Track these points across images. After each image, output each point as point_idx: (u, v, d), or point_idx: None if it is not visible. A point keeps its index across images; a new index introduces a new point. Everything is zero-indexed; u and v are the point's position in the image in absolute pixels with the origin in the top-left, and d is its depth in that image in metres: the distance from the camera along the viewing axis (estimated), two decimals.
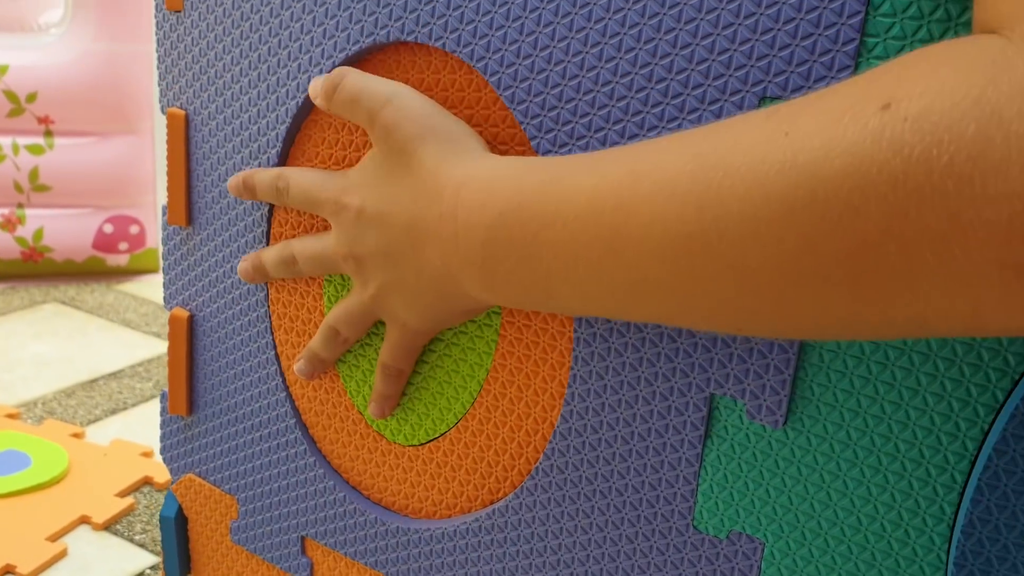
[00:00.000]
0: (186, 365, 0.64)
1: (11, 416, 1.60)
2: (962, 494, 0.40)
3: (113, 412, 1.69)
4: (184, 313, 0.61)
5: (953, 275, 0.27)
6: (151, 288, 2.26)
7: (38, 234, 2.13)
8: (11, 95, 2.00)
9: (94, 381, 1.78)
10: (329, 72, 0.51)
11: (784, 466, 0.43)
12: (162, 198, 2.48)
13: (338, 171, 0.51)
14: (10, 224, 2.10)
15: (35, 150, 2.07)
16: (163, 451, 0.67)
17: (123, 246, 2.23)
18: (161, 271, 2.41)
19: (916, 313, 0.29)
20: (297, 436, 0.58)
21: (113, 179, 2.14)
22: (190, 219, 0.61)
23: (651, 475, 0.45)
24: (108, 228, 2.19)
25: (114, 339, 1.97)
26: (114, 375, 1.82)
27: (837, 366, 0.41)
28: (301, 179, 0.52)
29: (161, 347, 1.87)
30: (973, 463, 0.40)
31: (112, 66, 2.05)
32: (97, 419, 1.65)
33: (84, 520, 1.34)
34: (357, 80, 0.48)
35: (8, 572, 1.23)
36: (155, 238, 2.31)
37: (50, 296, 2.16)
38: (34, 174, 2.08)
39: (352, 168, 0.50)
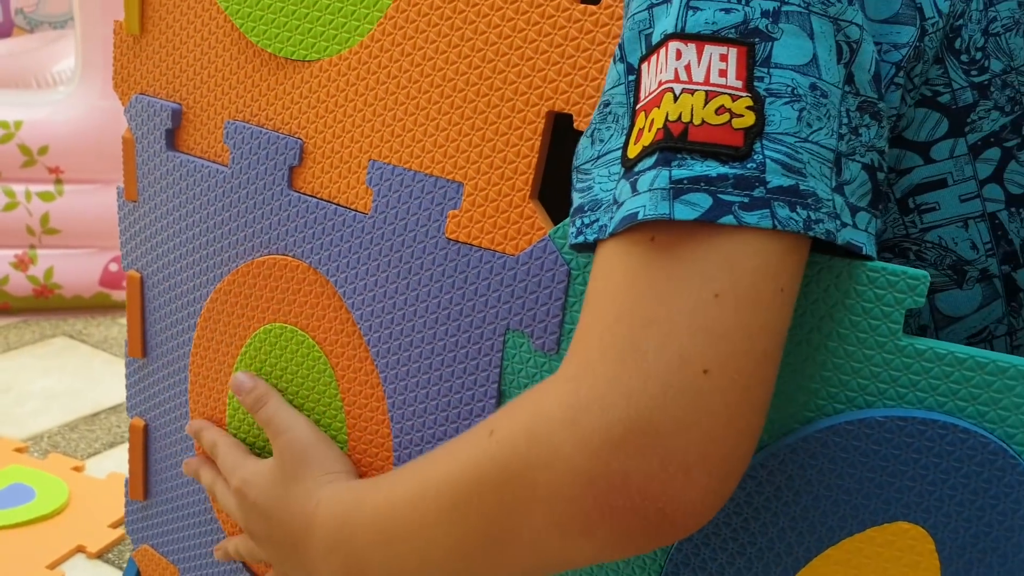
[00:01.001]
0: (142, 457, 0.80)
1: (19, 450, 1.78)
2: None
3: (111, 445, 1.86)
4: (140, 422, 0.77)
5: (538, 534, 0.43)
6: None
7: (48, 272, 2.31)
8: (25, 149, 2.18)
9: (96, 415, 1.95)
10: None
11: None
12: None
13: (251, 457, 0.66)
14: (23, 264, 2.28)
15: (46, 197, 2.25)
16: (127, 527, 0.84)
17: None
18: None
19: (532, 563, 0.44)
20: (219, 531, 0.74)
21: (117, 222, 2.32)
22: (145, 352, 0.77)
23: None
24: (113, 267, 2.36)
25: (116, 373, 2.14)
26: (114, 409, 1.99)
27: None
28: (226, 450, 0.67)
29: None
30: None
31: (117, 120, 2.22)
32: (96, 452, 1.82)
33: (80, 549, 1.51)
34: (270, 408, 0.64)
35: None
36: None
37: (59, 329, 2.33)
38: (45, 219, 2.25)
39: (263, 461, 0.65)
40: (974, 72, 0.46)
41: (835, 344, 0.44)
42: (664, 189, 0.38)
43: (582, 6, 0.49)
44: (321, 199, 0.60)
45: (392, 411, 0.60)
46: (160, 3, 0.66)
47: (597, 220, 0.42)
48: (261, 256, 0.64)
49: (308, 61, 0.60)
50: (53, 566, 1.48)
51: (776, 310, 0.39)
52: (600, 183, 0.43)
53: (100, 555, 1.51)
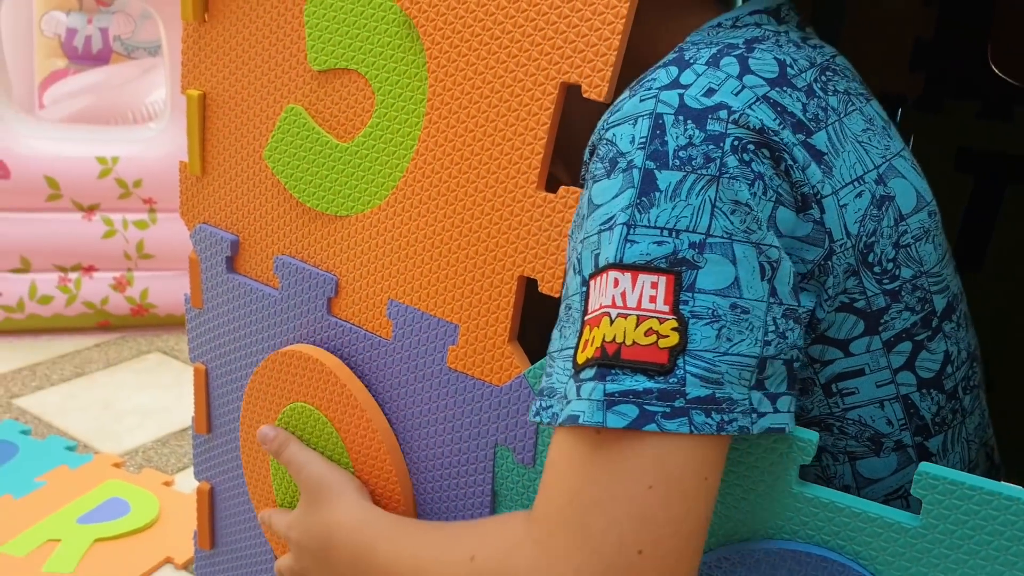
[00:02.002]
0: (208, 515, 0.94)
1: (116, 465, 1.96)
2: None
3: None
4: (207, 485, 0.91)
5: None
6: None
7: (144, 293, 2.50)
8: (122, 182, 2.37)
9: (185, 430, 2.13)
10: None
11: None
12: None
13: (288, 513, 0.75)
14: (121, 286, 2.47)
15: (141, 225, 2.44)
16: (196, 571, 0.98)
17: None
18: None
19: None
20: (271, 571, 0.87)
21: None
22: (209, 429, 0.90)
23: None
24: None
25: None
26: None
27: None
28: (276, 521, 0.76)
29: None
30: None
31: None
32: (185, 467, 2.00)
33: (168, 561, 1.68)
34: (290, 451, 0.74)
35: None
36: None
37: (154, 346, 2.53)
38: (140, 245, 2.45)
39: (298, 507, 0.74)
40: (886, 280, 0.54)
41: (746, 487, 0.54)
42: (599, 400, 0.47)
43: (543, 194, 0.59)
44: (353, 324, 0.72)
45: (418, 489, 0.72)
46: (218, 152, 0.79)
47: (551, 407, 0.50)
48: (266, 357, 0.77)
49: (340, 216, 0.71)
50: None
51: (701, 497, 0.47)
52: (558, 375, 0.51)
53: (186, 567, 1.67)
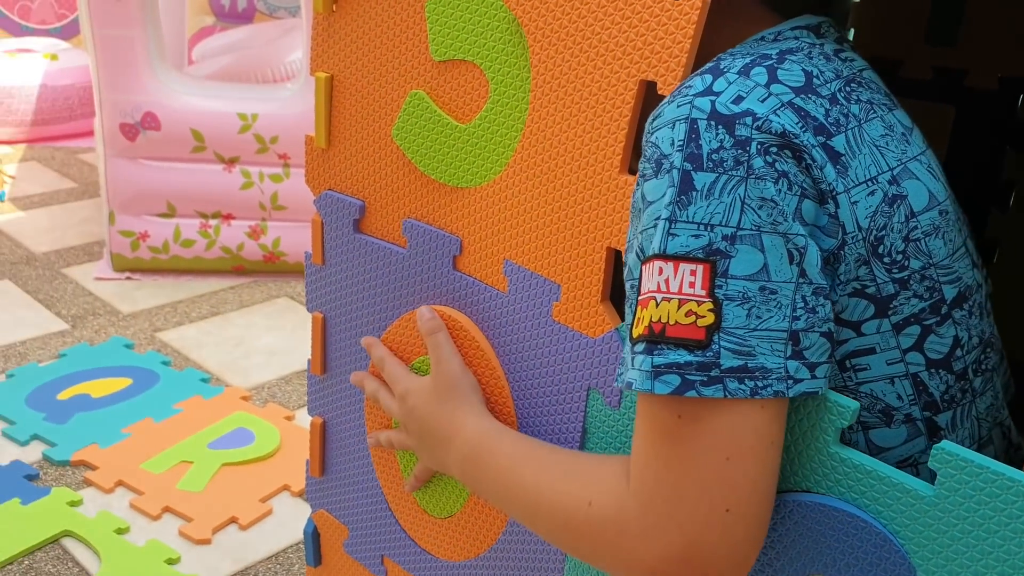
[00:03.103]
0: (320, 446, 1.06)
1: (244, 398, 2.14)
2: None
3: None
4: (319, 420, 1.03)
5: (609, 570, 0.61)
6: None
7: (276, 242, 2.68)
8: (260, 138, 2.53)
9: (305, 371, 2.29)
10: None
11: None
12: None
13: (412, 374, 0.85)
14: (255, 234, 2.66)
15: (276, 179, 2.61)
16: (307, 496, 1.10)
17: None
18: None
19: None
20: (381, 500, 0.98)
21: None
22: (324, 370, 1.02)
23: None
24: None
25: None
26: None
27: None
28: (392, 364, 0.86)
29: None
30: None
31: None
32: (305, 404, 2.16)
33: (286, 488, 1.84)
34: (439, 339, 0.81)
35: (232, 522, 1.74)
36: None
37: (283, 291, 2.71)
38: (274, 197, 2.62)
39: (421, 378, 0.84)
40: (895, 270, 0.61)
41: (793, 444, 0.61)
42: (648, 371, 0.56)
43: (626, 177, 0.67)
44: (476, 278, 0.82)
45: (520, 420, 0.82)
46: (343, 128, 0.89)
47: (623, 374, 0.60)
48: (412, 310, 0.87)
49: (461, 187, 0.81)
50: (264, 500, 1.81)
51: (771, 458, 0.57)
52: (626, 347, 0.61)
53: (300, 495, 1.83)
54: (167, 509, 1.76)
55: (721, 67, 0.59)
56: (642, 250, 0.59)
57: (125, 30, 2.40)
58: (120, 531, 1.69)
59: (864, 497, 0.59)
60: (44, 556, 1.63)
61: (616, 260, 0.71)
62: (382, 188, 0.87)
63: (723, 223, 0.55)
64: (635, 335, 0.58)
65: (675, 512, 0.57)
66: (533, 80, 0.72)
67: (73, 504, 1.75)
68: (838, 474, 0.60)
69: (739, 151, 0.55)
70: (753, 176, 0.55)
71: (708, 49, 0.65)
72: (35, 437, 1.94)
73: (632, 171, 0.68)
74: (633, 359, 0.58)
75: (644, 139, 0.61)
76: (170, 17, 3.25)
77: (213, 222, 2.62)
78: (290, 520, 1.76)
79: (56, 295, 2.57)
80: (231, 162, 2.57)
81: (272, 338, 2.43)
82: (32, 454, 1.90)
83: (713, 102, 0.57)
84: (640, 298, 0.58)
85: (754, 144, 0.55)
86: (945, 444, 0.55)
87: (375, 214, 0.89)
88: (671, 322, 0.56)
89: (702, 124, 0.56)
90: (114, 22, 2.39)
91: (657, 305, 0.56)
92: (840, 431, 0.60)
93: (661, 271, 0.56)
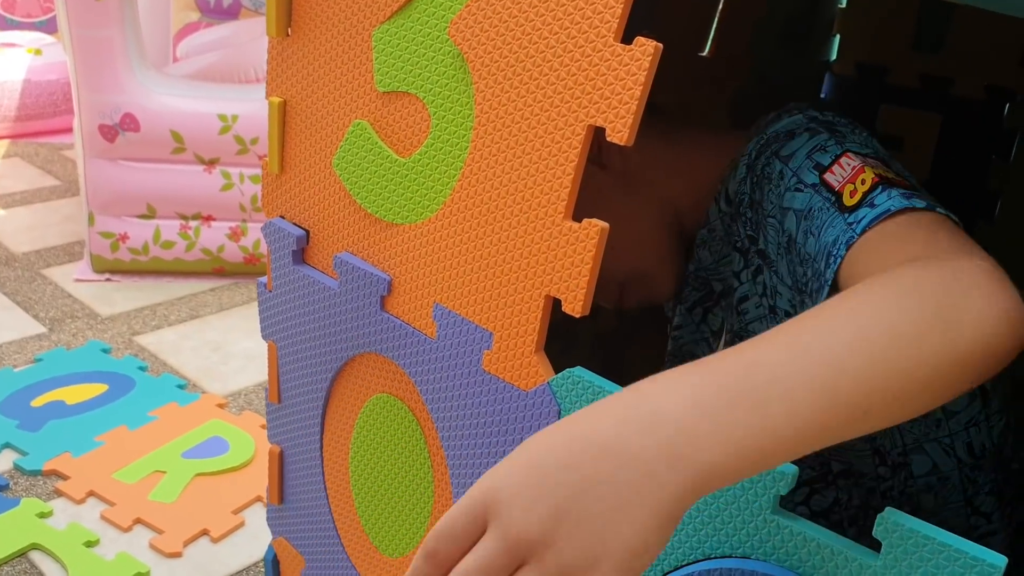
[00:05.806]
0: (278, 473, 1.04)
1: (220, 405, 2.11)
2: None
3: None
4: (277, 448, 1.00)
5: (976, 315, 0.56)
6: None
7: (256, 244, 2.65)
8: (240, 139, 2.50)
9: None
10: None
11: None
12: None
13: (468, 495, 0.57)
14: (236, 235, 2.63)
15: (256, 180, 2.58)
16: (268, 522, 1.08)
17: None
18: None
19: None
20: (334, 535, 0.96)
21: None
22: (280, 399, 1.00)
23: None
24: None
25: None
26: None
27: None
28: (438, 528, 0.49)
29: None
30: None
31: None
32: None
33: (259, 499, 1.82)
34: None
35: (204, 534, 1.72)
36: None
37: None
38: (255, 199, 2.59)
39: (494, 470, 0.51)
40: None
41: (729, 510, 0.59)
42: (902, 195, 0.68)
43: (569, 223, 0.65)
44: (403, 321, 0.79)
45: (452, 472, 0.79)
46: (295, 154, 0.87)
47: (858, 221, 0.69)
48: (360, 353, 0.84)
49: (396, 223, 0.78)
50: (237, 511, 1.79)
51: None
52: (822, 245, 0.72)
53: None
54: (138, 521, 1.74)
55: None
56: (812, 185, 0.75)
57: (104, 31, 2.37)
58: (89, 544, 1.67)
59: (805, 565, 0.57)
60: (11, 571, 1.61)
61: (555, 309, 0.69)
62: (325, 219, 0.85)
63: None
64: (855, 201, 0.70)
65: (976, 258, 0.63)
66: (476, 118, 0.70)
67: (43, 516, 1.73)
68: (778, 541, 0.58)
69: None
70: None
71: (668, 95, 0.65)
72: (7, 445, 1.92)
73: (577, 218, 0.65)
74: (872, 202, 0.69)
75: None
76: (155, 13, 3.22)
77: (193, 224, 2.59)
78: (262, 532, 1.74)
79: (35, 297, 2.54)
80: (211, 163, 2.54)
81: (251, 342, 2.41)
82: (3, 463, 1.87)
83: None
84: (843, 183, 0.72)
85: None
86: (889, 512, 0.53)
87: (317, 245, 0.87)
88: (887, 176, 0.71)
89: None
90: (92, 22, 2.35)
91: (872, 167, 0.72)
92: (778, 498, 0.58)
93: (857, 155, 0.74)
